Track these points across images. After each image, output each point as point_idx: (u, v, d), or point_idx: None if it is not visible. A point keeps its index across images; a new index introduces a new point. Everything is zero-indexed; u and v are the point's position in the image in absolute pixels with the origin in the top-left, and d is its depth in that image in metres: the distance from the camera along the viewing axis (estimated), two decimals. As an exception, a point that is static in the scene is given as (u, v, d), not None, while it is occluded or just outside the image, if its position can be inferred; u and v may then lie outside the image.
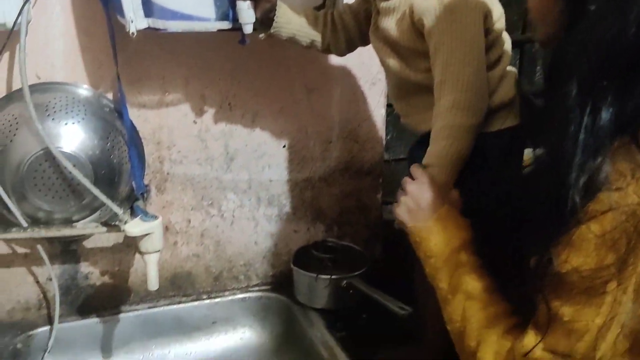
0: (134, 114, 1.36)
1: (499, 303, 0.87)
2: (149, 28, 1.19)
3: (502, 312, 0.86)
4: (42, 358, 1.38)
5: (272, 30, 1.22)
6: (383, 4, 1.12)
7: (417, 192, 0.97)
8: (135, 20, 1.17)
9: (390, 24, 1.12)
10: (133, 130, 1.36)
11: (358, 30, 1.27)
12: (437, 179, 1.01)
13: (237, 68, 1.43)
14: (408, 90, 1.17)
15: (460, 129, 1.03)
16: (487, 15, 1.06)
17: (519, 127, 1.14)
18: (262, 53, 1.43)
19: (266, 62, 1.45)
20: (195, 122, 1.43)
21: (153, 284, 1.26)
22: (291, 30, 1.24)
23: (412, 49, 1.11)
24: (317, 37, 1.27)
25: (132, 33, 1.16)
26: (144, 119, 1.39)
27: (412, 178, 1.01)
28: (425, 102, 1.14)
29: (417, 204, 0.96)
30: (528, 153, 1.55)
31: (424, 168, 1.03)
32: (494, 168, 1.13)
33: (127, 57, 1.32)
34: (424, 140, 1.22)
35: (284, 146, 1.53)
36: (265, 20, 1.21)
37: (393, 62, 1.16)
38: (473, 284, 0.88)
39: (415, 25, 1.07)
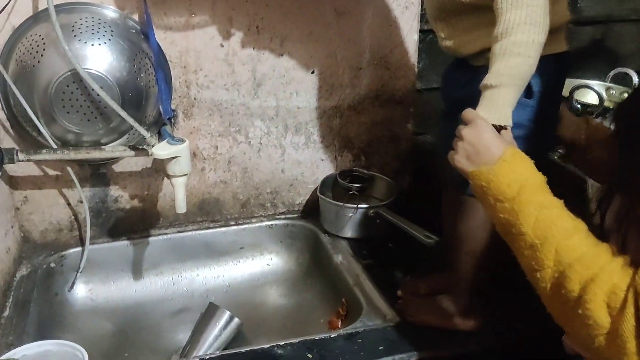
0: (160, 37, 1.34)
1: (601, 242, 0.80)
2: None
3: (607, 249, 0.79)
4: (75, 278, 1.42)
5: None
6: None
7: (474, 136, 0.92)
8: None
9: None
10: (160, 52, 1.34)
11: None
12: (506, 98, 0.96)
13: (265, -11, 1.38)
14: (451, 10, 1.10)
15: (533, 45, 0.95)
16: None
17: (563, 54, 1.09)
18: (291, -26, 1.38)
19: (295, -17, 1.40)
20: (222, 46, 1.40)
21: (181, 207, 1.27)
22: None
23: None
24: None
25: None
26: (171, 41, 1.37)
27: (463, 123, 0.96)
28: (469, 23, 1.08)
29: (476, 148, 0.91)
30: (570, 84, 1.49)
31: (489, 86, 0.96)
32: (536, 97, 1.08)
33: (152, -23, 1.29)
34: (460, 64, 1.17)
35: (313, 72, 1.50)
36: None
37: None
38: (569, 223, 0.81)
39: None
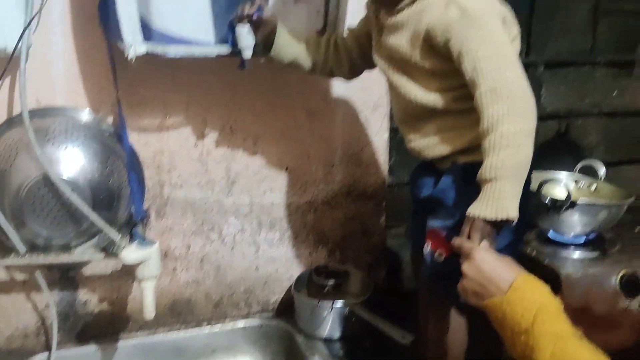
0: (134, 138, 1.36)
1: None
2: (148, 53, 1.19)
3: None
4: (39, 386, 1.36)
5: (272, 54, 1.21)
6: (390, 20, 1.08)
7: (475, 271, 0.91)
8: (134, 45, 1.16)
9: (398, 41, 1.08)
10: (132, 154, 1.35)
11: (361, 52, 1.25)
12: (505, 190, 0.96)
13: (239, 92, 1.42)
14: (414, 113, 1.13)
15: (521, 134, 0.96)
16: (504, 20, 1.03)
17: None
18: (264, 77, 1.42)
19: (267, 86, 1.44)
20: (196, 146, 1.42)
21: (149, 312, 1.24)
22: (292, 53, 1.23)
23: (423, 68, 1.06)
24: (319, 60, 1.25)
25: (131, 58, 1.16)
26: (144, 142, 1.38)
27: (456, 250, 0.96)
28: (433, 127, 1.11)
29: (480, 283, 0.90)
30: (538, 177, 1.53)
31: (487, 180, 0.97)
32: None
33: (127, 81, 1.32)
34: (426, 165, 1.20)
35: (286, 169, 1.52)
36: (265, 44, 1.20)
37: (401, 82, 1.11)
38: (586, 355, 0.78)
39: (432, 42, 1.02)
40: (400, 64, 1.10)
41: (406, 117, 1.16)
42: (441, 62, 1.04)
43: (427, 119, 1.11)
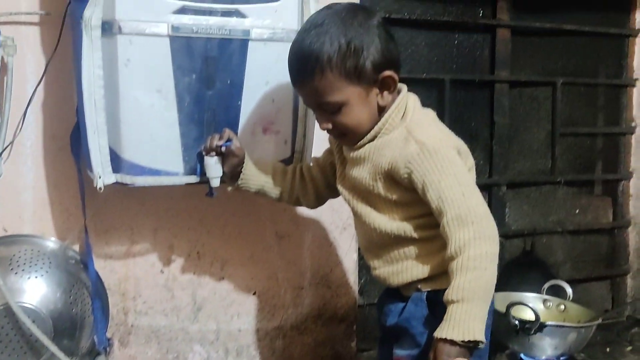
0: (100, 265, 1.35)
1: None
2: (116, 183, 1.21)
3: None
4: None
5: (239, 183, 1.24)
6: (352, 154, 1.13)
7: None
8: (103, 176, 1.19)
9: (361, 174, 1.12)
10: (98, 282, 1.33)
11: (325, 182, 1.28)
12: (474, 313, 0.97)
13: (207, 217, 1.43)
14: (378, 241, 1.15)
15: (488, 257, 0.99)
16: (459, 152, 1.08)
17: None
18: (232, 201, 1.45)
19: (236, 210, 1.46)
20: (162, 272, 1.41)
21: None
22: (259, 183, 1.26)
23: (386, 198, 1.10)
24: (285, 189, 1.28)
25: (100, 188, 1.18)
26: (110, 269, 1.37)
27: None
28: (396, 255, 1.13)
29: None
30: (506, 299, 1.54)
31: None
32: None
33: (96, 209, 1.33)
34: (391, 292, 1.20)
35: (254, 293, 1.50)
36: (233, 175, 1.24)
37: (365, 211, 1.14)
38: None
39: (394, 175, 1.07)
40: (364, 194, 1.14)
41: (370, 245, 1.18)
42: (403, 193, 1.08)
43: (390, 247, 1.13)
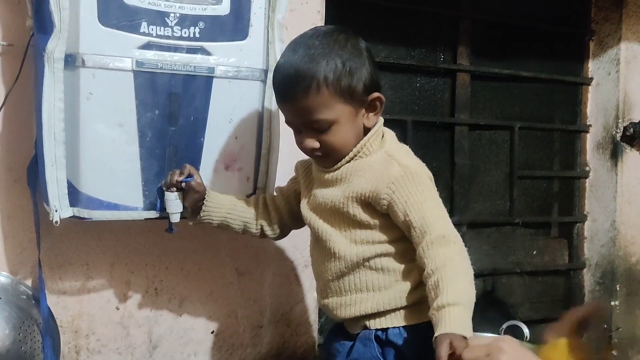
0: (53, 301, 1.31)
1: None
2: (74, 217, 1.19)
3: None
4: None
5: (201, 216, 1.23)
6: (327, 176, 1.14)
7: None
8: (59, 209, 1.16)
9: (333, 193, 1.13)
10: (50, 318, 1.29)
11: (289, 211, 1.28)
12: (468, 318, 0.98)
13: (166, 253, 1.41)
14: (334, 268, 1.14)
15: (470, 274, 1.04)
16: (431, 180, 1.13)
17: None
18: (192, 237, 1.43)
19: (196, 245, 1.44)
20: (117, 309, 1.38)
21: None
22: (222, 214, 1.25)
23: (354, 220, 1.11)
24: (250, 220, 1.27)
25: (56, 222, 1.16)
26: (63, 306, 1.33)
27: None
28: (348, 285, 1.13)
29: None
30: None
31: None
32: None
33: (51, 243, 1.30)
34: (338, 331, 1.19)
35: (212, 332, 1.48)
36: (194, 210, 1.23)
37: (327, 233, 1.14)
38: None
39: (371, 196, 1.08)
40: (330, 215, 1.14)
41: (325, 272, 1.17)
42: (372, 215, 1.10)
43: (345, 276, 1.13)
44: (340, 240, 1.13)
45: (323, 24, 1.52)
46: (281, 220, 1.29)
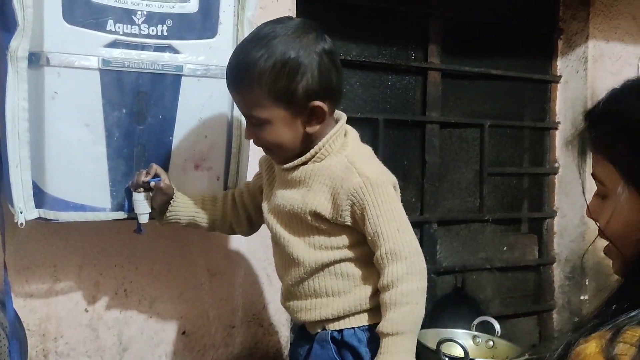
0: (20, 304, 1.28)
1: None
2: (39, 218, 1.17)
3: None
4: None
5: (168, 216, 1.21)
6: (287, 176, 1.11)
7: None
8: (25, 211, 1.14)
9: (292, 195, 1.10)
10: (16, 322, 1.26)
11: (256, 207, 1.25)
12: (408, 346, 1.01)
13: (135, 253, 1.40)
14: (295, 272, 1.13)
15: (419, 292, 1.05)
16: (395, 187, 1.11)
17: None
18: (163, 236, 1.41)
19: (166, 246, 1.43)
20: (86, 311, 1.36)
21: None
22: (189, 214, 1.23)
23: (312, 225, 1.09)
24: (217, 218, 1.26)
25: (21, 224, 1.14)
26: (30, 309, 1.31)
27: None
28: (308, 289, 1.13)
29: None
30: (437, 335, 1.55)
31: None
32: None
33: (16, 245, 1.28)
34: (301, 334, 1.19)
35: (184, 333, 1.46)
36: (162, 210, 1.21)
37: (285, 237, 1.13)
38: None
39: (332, 202, 1.07)
40: (289, 219, 1.13)
41: (286, 274, 1.16)
42: (333, 223, 1.09)
43: (304, 281, 1.13)
44: (299, 246, 1.12)
45: (293, 22, 1.52)
46: (249, 216, 1.28)
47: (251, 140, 1.26)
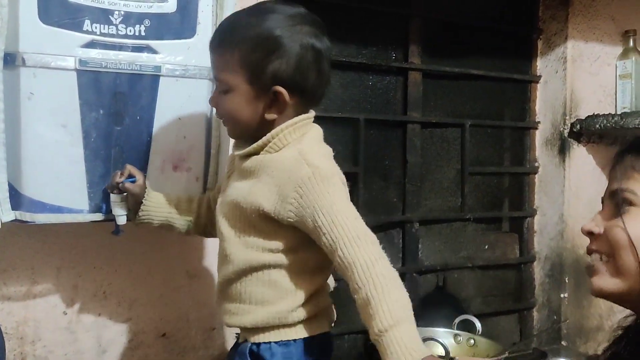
0: (-4, 308, 1.27)
1: None
2: (16, 220, 1.16)
3: None
4: None
5: (140, 216, 1.20)
6: (243, 165, 1.07)
7: None
8: (1, 213, 1.13)
9: (242, 187, 1.06)
10: (-7, 328, 1.25)
11: None
12: (413, 335, 0.91)
13: (114, 256, 1.39)
14: (229, 270, 1.08)
15: (395, 276, 0.96)
16: (342, 181, 1.08)
17: (327, 334, 1.12)
18: (142, 238, 1.40)
19: (145, 248, 1.42)
20: (65, 314, 1.35)
21: None
22: (162, 214, 1.22)
23: (252, 219, 1.05)
24: (192, 219, 1.24)
25: (-3, 226, 1.12)
26: (8, 312, 1.29)
27: None
28: (235, 292, 1.08)
29: None
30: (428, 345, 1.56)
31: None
32: None
33: (-7, 247, 1.26)
34: (234, 346, 1.15)
35: (163, 335, 1.46)
36: (136, 210, 1.21)
37: (227, 234, 1.08)
38: None
39: (278, 197, 1.01)
40: (231, 210, 1.08)
41: (220, 271, 1.12)
42: (273, 220, 1.03)
43: (232, 283, 1.08)
44: (234, 242, 1.07)
45: (273, 22, 1.51)
46: None
47: (231, 141, 1.25)
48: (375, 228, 1.23)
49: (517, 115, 2.15)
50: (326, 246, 0.99)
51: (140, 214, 1.20)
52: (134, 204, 1.19)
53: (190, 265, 1.47)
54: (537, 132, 2.15)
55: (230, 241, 1.08)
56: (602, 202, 1.05)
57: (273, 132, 1.05)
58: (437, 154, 1.99)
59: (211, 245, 1.49)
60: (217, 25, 1.11)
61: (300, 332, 1.07)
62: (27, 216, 1.16)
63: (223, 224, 1.10)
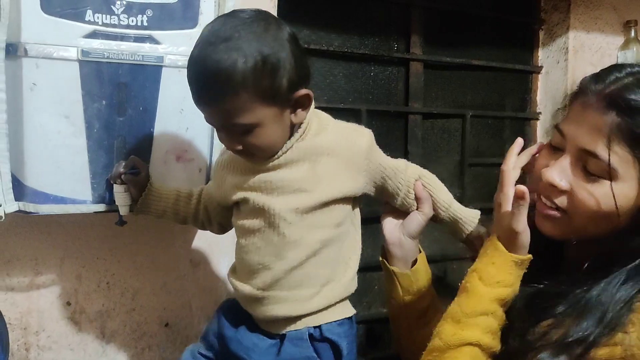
0: (1, 298, 1.28)
1: None
2: (19, 211, 1.16)
3: None
4: None
5: (139, 207, 1.21)
6: (277, 161, 1.04)
7: None
8: (4, 204, 1.13)
9: (294, 175, 1.04)
10: (-3, 315, 1.26)
11: (225, 210, 1.19)
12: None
13: (117, 246, 1.39)
14: (292, 256, 1.04)
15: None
16: None
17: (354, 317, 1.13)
18: (145, 228, 1.41)
19: (148, 238, 1.42)
20: (69, 304, 1.35)
21: None
22: (161, 207, 1.23)
23: (331, 202, 1.05)
24: (190, 215, 1.24)
25: (0, 217, 1.12)
26: (12, 302, 1.30)
27: None
28: (299, 277, 1.05)
29: None
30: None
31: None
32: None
33: (-4, 238, 1.26)
34: (247, 319, 1.12)
35: (167, 324, 1.46)
36: (138, 201, 1.21)
37: (281, 219, 1.03)
38: None
39: (355, 171, 1.09)
40: (289, 199, 1.04)
41: (278, 266, 1.05)
42: (349, 184, 1.09)
43: (298, 268, 1.05)
44: (299, 227, 1.04)
45: (276, 12, 1.51)
46: (219, 221, 1.24)
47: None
48: (377, 218, 1.26)
49: (518, 106, 2.15)
50: (388, 191, 1.19)
51: (139, 205, 1.20)
52: (136, 195, 1.19)
53: (193, 254, 1.48)
54: (538, 123, 2.16)
55: (293, 227, 1.03)
56: (554, 147, 1.05)
57: (305, 121, 1.06)
58: (437, 145, 1.99)
59: (215, 235, 1.49)
60: (194, 81, 0.98)
61: (350, 309, 1.12)
62: (30, 207, 1.16)
63: (275, 216, 1.04)
